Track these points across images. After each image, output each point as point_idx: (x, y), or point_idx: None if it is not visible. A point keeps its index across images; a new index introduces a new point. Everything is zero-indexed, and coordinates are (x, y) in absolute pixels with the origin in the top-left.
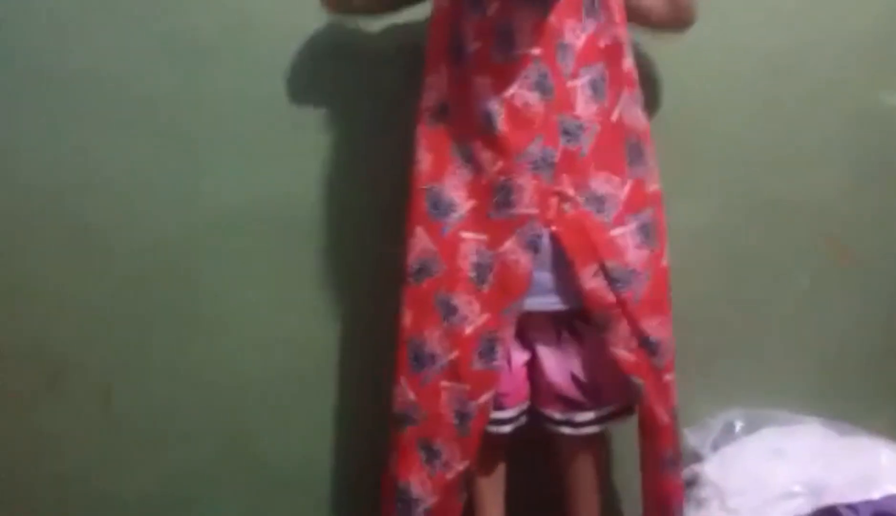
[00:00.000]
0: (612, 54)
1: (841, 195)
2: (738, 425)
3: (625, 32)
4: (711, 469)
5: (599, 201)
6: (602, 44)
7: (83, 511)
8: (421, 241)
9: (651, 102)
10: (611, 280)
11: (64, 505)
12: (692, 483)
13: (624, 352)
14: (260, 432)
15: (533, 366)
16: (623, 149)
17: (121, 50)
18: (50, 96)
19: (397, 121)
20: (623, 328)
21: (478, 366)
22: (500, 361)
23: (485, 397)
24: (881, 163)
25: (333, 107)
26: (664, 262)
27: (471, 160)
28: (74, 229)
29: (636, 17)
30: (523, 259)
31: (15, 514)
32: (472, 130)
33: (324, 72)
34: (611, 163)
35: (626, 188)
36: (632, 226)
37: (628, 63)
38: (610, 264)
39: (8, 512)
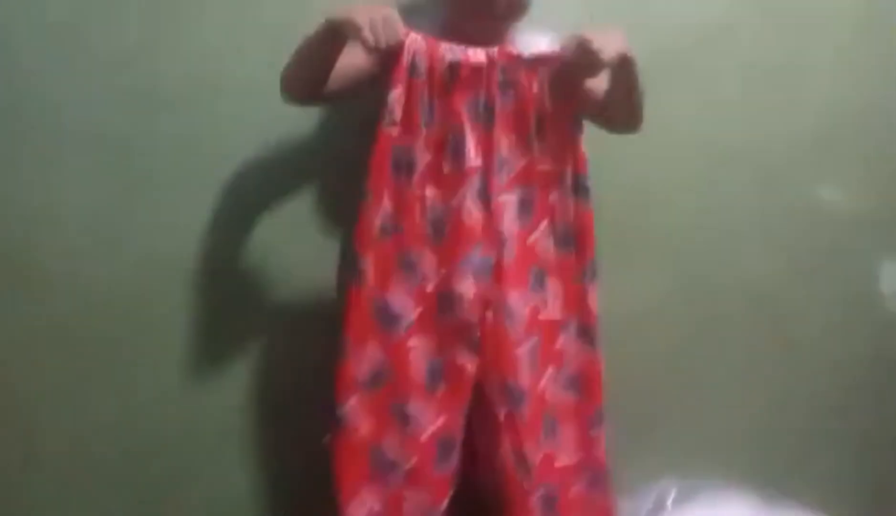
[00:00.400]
0: (547, 181)
1: (777, 279)
2: (671, 496)
3: (566, 165)
4: None
5: (511, 316)
6: (539, 168)
7: None
8: (372, 351)
9: (598, 183)
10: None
11: None
12: None
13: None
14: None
15: None
16: (530, 277)
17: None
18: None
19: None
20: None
21: (437, 471)
22: (453, 463)
23: (444, 503)
24: (816, 252)
25: (287, 164)
26: (540, 389)
27: (415, 269)
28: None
29: (594, 113)
30: (468, 363)
31: None
32: (418, 241)
33: (285, 132)
34: (521, 283)
35: (526, 310)
36: (526, 347)
37: (554, 196)
38: (510, 382)
39: None
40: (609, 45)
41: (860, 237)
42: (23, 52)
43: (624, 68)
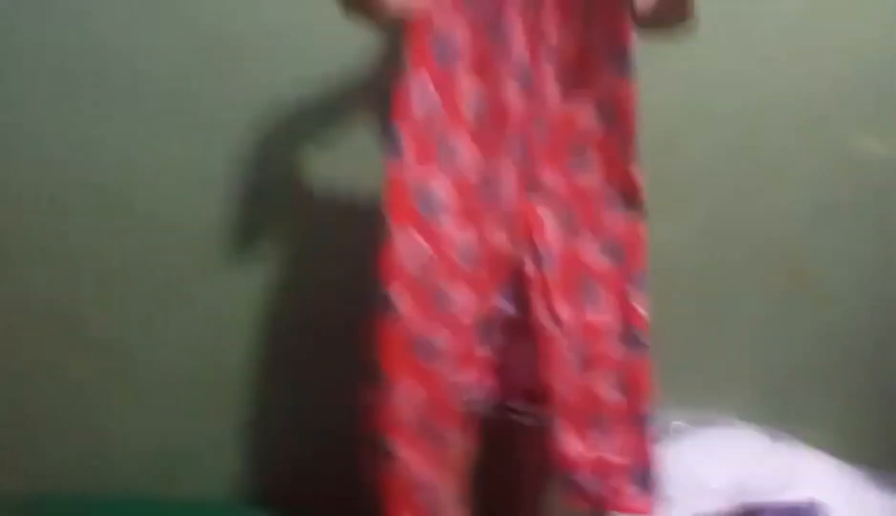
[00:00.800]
0: (591, 64)
1: (805, 225)
2: (679, 424)
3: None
4: None
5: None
6: (585, 55)
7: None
8: (413, 237)
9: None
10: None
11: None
12: None
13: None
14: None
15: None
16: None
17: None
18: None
19: None
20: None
21: (480, 352)
22: (496, 343)
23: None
24: (849, 203)
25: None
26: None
27: (454, 153)
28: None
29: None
30: (507, 245)
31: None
32: (458, 127)
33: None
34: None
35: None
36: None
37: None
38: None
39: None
40: None
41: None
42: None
43: None
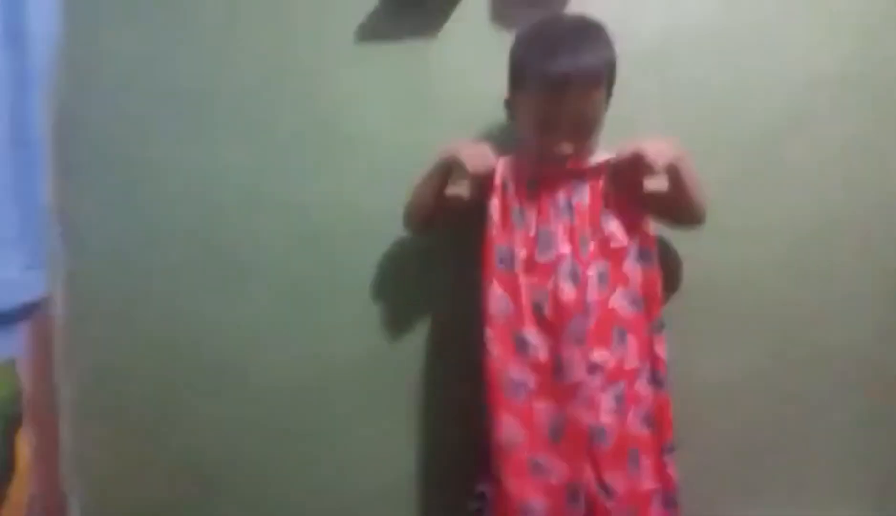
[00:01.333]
0: (617, 256)
1: (875, 341)
2: None
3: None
4: None
5: (594, 369)
6: (612, 246)
7: None
8: (507, 418)
9: (691, 263)
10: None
11: None
12: None
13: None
14: None
15: None
16: (613, 335)
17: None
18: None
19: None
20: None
21: (569, 510)
22: (581, 504)
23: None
24: None
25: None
26: (627, 426)
27: (528, 344)
28: (232, 372)
29: (660, 211)
30: (584, 416)
31: None
32: (524, 321)
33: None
34: (606, 341)
35: (611, 363)
36: (609, 393)
37: (628, 265)
38: (592, 424)
39: None
40: (661, 153)
41: None
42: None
43: (677, 174)
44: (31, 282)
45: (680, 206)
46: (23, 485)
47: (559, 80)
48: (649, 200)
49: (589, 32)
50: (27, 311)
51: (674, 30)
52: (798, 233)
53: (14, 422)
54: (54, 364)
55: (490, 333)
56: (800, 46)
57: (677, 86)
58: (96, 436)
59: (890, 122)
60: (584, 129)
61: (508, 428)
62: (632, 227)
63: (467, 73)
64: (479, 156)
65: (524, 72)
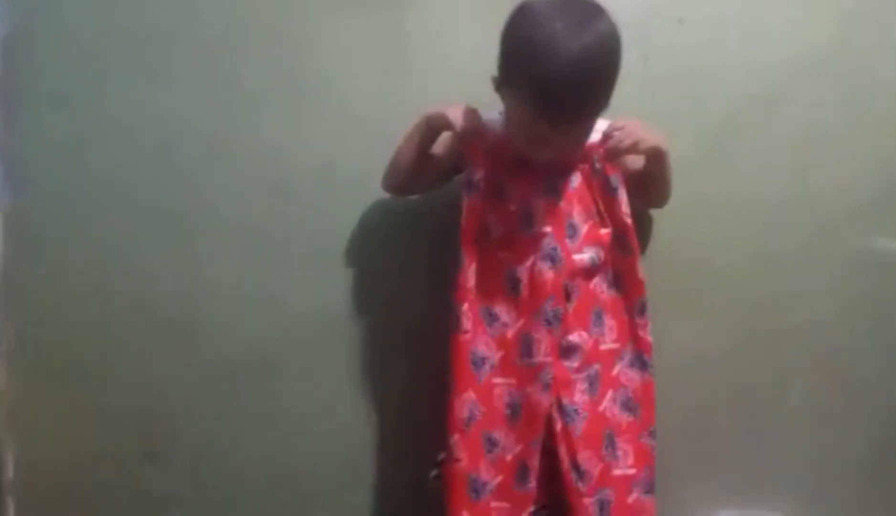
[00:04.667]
0: (602, 242)
1: (837, 327)
2: None
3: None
4: None
5: (571, 350)
6: (602, 232)
7: None
8: (468, 394)
9: (656, 238)
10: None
11: None
12: None
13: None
14: (317, 507)
15: None
16: (591, 317)
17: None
18: None
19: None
20: (563, 452)
21: (517, 489)
22: (531, 484)
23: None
24: (873, 300)
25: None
26: (601, 409)
27: (497, 319)
28: (182, 327)
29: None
30: (543, 399)
31: None
32: (497, 296)
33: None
34: (584, 323)
35: (589, 344)
36: (582, 374)
37: (609, 250)
38: (566, 402)
39: None
40: (647, 135)
41: None
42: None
43: (657, 160)
44: None
45: (651, 189)
46: None
47: (556, 120)
48: (628, 181)
49: (598, 55)
50: None
51: (656, 5)
52: (767, 211)
53: None
54: None
55: (463, 306)
56: (779, 27)
57: (657, 59)
58: (33, 386)
59: (862, 106)
60: (577, 147)
61: (467, 402)
62: (615, 210)
63: (446, 22)
64: (467, 116)
65: (518, 84)
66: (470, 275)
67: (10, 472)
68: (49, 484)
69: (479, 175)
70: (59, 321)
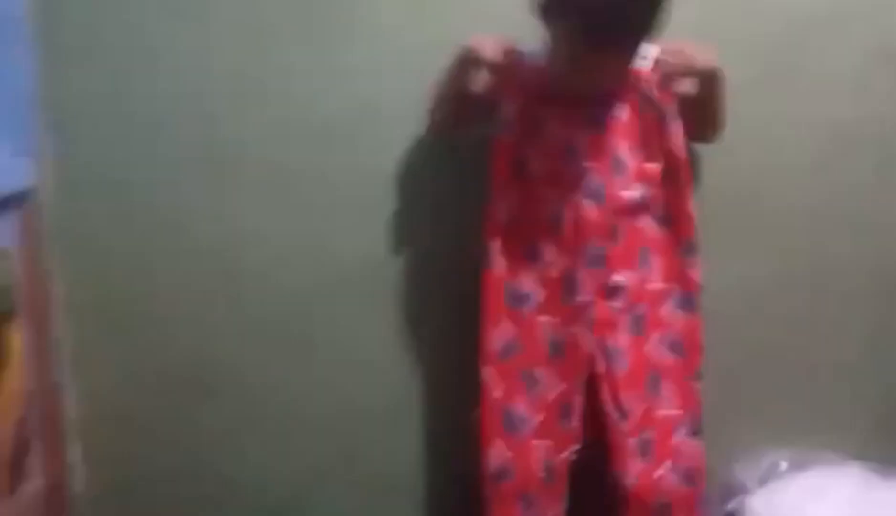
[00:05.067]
0: (651, 179)
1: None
2: (785, 464)
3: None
4: (757, 502)
5: (616, 290)
6: (647, 167)
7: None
8: (505, 328)
9: (706, 172)
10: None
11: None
12: (738, 513)
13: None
14: (365, 445)
15: None
16: (638, 256)
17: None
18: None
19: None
20: (605, 392)
21: (560, 427)
22: (575, 423)
23: (566, 453)
24: None
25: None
26: (647, 350)
27: (540, 258)
28: (229, 273)
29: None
30: (586, 339)
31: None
32: (541, 234)
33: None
34: (630, 262)
35: (634, 283)
36: (627, 315)
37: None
38: (609, 344)
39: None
40: (702, 55)
41: None
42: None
43: (712, 81)
44: (18, 169)
45: (706, 118)
46: (16, 377)
47: (601, 45)
48: (680, 108)
49: None
50: (16, 200)
51: None
52: (824, 138)
53: (7, 315)
54: (46, 256)
55: (497, 244)
56: None
57: None
58: (91, 332)
59: None
60: (624, 75)
61: (501, 336)
62: (664, 146)
63: None
64: (500, 46)
65: (559, 8)
66: (500, 212)
67: (73, 414)
68: (110, 425)
69: (511, 109)
70: (109, 269)
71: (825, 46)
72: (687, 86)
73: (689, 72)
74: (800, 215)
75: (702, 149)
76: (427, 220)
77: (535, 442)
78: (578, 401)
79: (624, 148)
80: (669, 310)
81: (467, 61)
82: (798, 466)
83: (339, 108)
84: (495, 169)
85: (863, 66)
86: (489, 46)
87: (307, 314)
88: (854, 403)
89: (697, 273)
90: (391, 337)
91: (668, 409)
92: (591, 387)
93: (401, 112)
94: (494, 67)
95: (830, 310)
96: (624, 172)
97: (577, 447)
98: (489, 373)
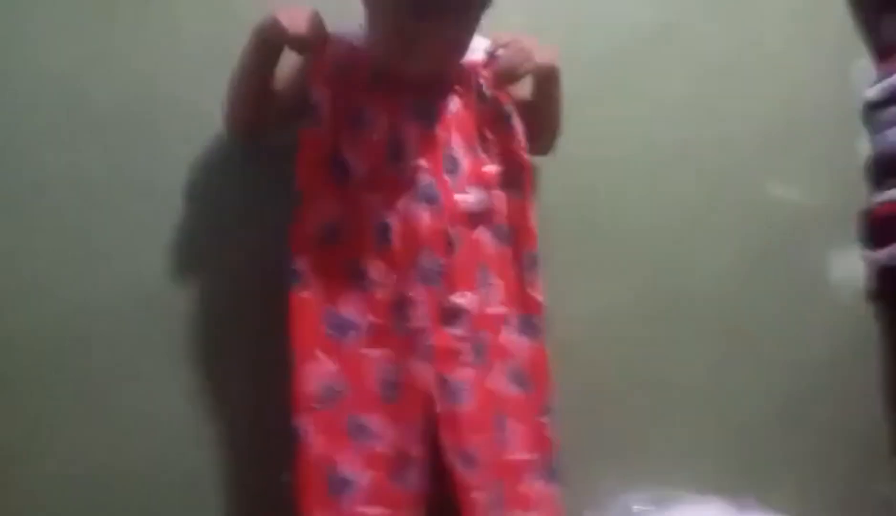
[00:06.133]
0: (490, 182)
1: (732, 277)
2: (637, 507)
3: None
4: None
5: (456, 314)
6: (484, 169)
7: None
8: (323, 365)
9: (546, 187)
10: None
11: None
12: None
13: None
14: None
15: None
16: (477, 270)
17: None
18: None
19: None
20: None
21: (396, 487)
22: (415, 480)
23: None
24: (769, 248)
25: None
26: (491, 384)
27: (364, 277)
28: None
29: None
30: (423, 373)
31: None
32: (364, 248)
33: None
34: (470, 281)
35: (475, 306)
36: (469, 344)
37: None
38: (449, 374)
39: None
40: (538, 51)
41: (811, 232)
42: None
43: (550, 80)
44: None
45: (542, 122)
46: None
47: (430, 11)
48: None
49: None
50: None
51: None
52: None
53: None
54: None
55: (306, 261)
56: None
57: None
58: None
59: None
60: (453, 52)
61: (324, 373)
62: (506, 146)
63: None
64: (306, 19)
65: None
66: (311, 222)
67: None
68: None
69: (321, 96)
70: None
71: (656, 63)
72: (521, 84)
73: (525, 67)
74: (637, 236)
75: (536, 161)
76: (224, 235)
77: (365, 509)
78: (419, 453)
79: (457, 143)
80: (512, 337)
81: (268, 41)
82: (655, 508)
83: (115, 96)
84: (302, 169)
85: (693, 84)
86: (292, 18)
87: (60, 364)
88: (704, 435)
89: (539, 292)
90: (179, 386)
91: (516, 453)
92: (436, 433)
93: (191, 106)
94: (305, 46)
95: (667, 335)
96: (459, 173)
97: (419, 511)
98: (305, 424)
